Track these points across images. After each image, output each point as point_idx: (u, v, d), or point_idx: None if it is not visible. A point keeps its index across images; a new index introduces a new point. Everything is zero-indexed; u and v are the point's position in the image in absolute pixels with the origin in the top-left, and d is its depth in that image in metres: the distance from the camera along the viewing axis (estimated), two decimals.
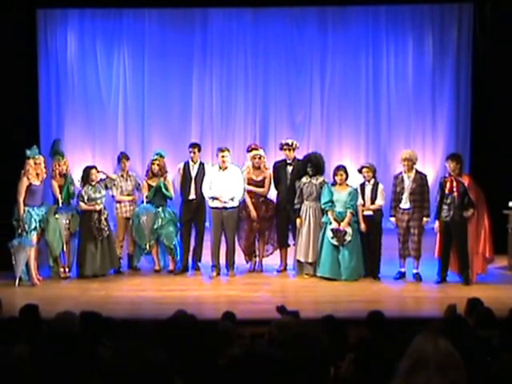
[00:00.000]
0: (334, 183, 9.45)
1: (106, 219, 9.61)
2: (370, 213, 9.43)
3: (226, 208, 9.56)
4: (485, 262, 9.32)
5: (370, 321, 5.55)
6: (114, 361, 3.54)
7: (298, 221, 9.52)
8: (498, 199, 10.15)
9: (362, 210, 9.42)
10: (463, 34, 12.57)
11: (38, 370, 3.43)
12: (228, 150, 9.69)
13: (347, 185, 9.48)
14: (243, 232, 9.83)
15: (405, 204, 9.33)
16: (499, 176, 10.88)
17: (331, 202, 9.33)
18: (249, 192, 9.74)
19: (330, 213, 9.32)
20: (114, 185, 9.90)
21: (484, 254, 9.26)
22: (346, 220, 9.27)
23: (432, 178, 11.94)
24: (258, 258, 9.95)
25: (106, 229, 9.56)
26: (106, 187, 9.85)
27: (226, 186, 9.52)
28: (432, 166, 12.66)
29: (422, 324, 5.28)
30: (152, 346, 4.12)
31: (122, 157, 10.16)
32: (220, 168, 9.62)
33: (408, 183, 9.32)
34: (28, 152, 9.24)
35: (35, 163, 9.23)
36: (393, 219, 9.47)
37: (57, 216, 9.45)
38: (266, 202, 9.87)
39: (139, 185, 10.11)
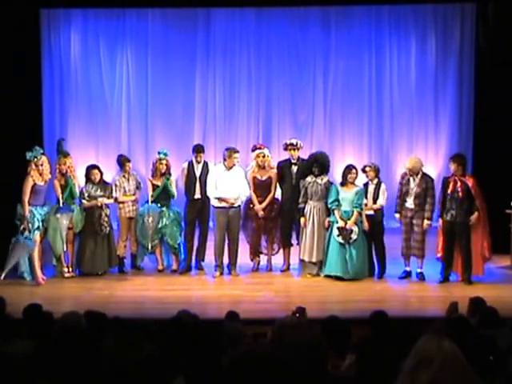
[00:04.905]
0: (344, 182, 9.45)
1: (107, 215, 9.63)
2: (371, 212, 9.45)
3: (232, 207, 9.58)
4: (483, 263, 9.32)
5: (373, 320, 5.56)
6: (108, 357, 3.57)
7: (302, 220, 9.53)
8: (501, 198, 10.17)
9: (365, 210, 9.43)
10: (466, 34, 12.57)
11: (43, 369, 3.45)
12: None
13: (355, 184, 9.49)
14: (251, 231, 9.85)
15: (409, 205, 9.35)
16: (502, 175, 10.89)
17: (337, 200, 9.34)
18: (255, 190, 9.76)
19: (336, 211, 9.33)
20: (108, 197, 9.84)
21: (483, 255, 9.27)
22: (353, 219, 9.27)
23: (434, 178, 11.88)
24: (266, 257, 9.96)
25: (105, 225, 9.58)
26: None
27: (232, 185, 9.55)
28: (434, 166, 12.66)
29: (425, 323, 5.28)
30: (143, 343, 4.15)
31: (124, 159, 10.14)
32: (226, 167, 9.63)
33: (413, 186, 9.33)
34: (28, 155, 9.24)
35: (36, 165, 9.23)
36: (397, 215, 9.50)
37: (58, 216, 9.46)
38: (272, 201, 9.86)
39: (140, 183, 10.13)
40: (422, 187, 9.31)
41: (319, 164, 9.56)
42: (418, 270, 9.42)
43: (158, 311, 7.77)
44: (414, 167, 9.37)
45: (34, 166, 9.22)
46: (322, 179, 9.53)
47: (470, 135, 12.53)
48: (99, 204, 9.56)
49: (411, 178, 9.38)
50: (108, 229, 9.67)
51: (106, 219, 9.61)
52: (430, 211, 9.31)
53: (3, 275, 9.24)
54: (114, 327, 4.95)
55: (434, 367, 2.81)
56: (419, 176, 9.37)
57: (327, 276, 9.42)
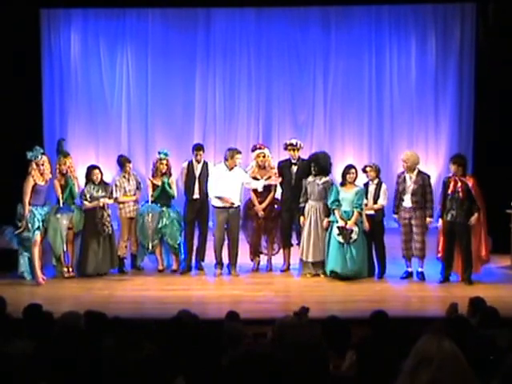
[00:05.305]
0: (344, 182, 9.45)
1: (109, 215, 9.63)
2: (372, 212, 9.45)
3: (231, 207, 9.59)
4: (479, 262, 9.33)
5: (373, 320, 5.55)
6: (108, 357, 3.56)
7: (301, 219, 9.54)
8: (501, 198, 10.17)
9: (365, 210, 9.43)
10: (466, 34, 12.57)
11: (43, 369, 3.45)
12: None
13: (355, 184, 9.49)
14: (251, 231, 9.85)
15: (407, 203, 9.35)
16: (502, 175, 10.89)
17: (337, 200, 9.34)
18: (255, 190, 9.76)
19: (336, 211, 9.33)
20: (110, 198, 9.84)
21: (480, 256, 9.27)
22: (353, 219, 9.27)
23: (435, 178, 11.93)
24: (267, 257, 9.96)
25: (108, 225, 9.58)
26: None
27: (232, 186, 9.56)
28: (435, 166, 12.66)
29: (425, 323, 5.28)
30: (143, 343, 4.15)
31: (124, 160, 10.13)
32: (227, 168, 9.63)
33: (409, 183, 9.34)
34: (29, 154, 9.23)
35: (37, 164, 9.23)
36: (395, 216, 9.50)
37: (58, 216, 9.46)
38: (272, 201, 9.86)
39: (140, 184, 10.13)
40: (418, 184, 9.31)
41: (317, 164, 9.56)
42: (419, 270, 9.41)
43: (157, 311, 7.77)
44: (409, 159, 9.37)
45: (35, 166, 9.21)
46: (320, 179, 9.53)
47: (470, 135, 12.54)
48: (101, 204, 9.55)
49: (407, 176, 9.39)
50: (110, 229, 9.67)
51: (108, 219, 9.60)
52: (430, 208, 9.32)
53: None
54: (114, 327, 4.95)
55: (434, 367, 2.81)
56: (415, 173, 9.38)
57: (329, 275, 9.40)
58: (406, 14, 12.84)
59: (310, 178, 9.56)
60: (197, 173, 9.85)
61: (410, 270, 9.50)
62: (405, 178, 9.41)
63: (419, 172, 9.42)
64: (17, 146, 10.19)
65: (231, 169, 9.63)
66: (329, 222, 9.42)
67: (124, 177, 9.99)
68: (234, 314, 5.93)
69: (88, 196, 9.59)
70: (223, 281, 9.57)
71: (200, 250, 9.99)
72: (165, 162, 9.92)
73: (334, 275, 9.36)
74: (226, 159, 9.69)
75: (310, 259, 9.53)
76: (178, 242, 9.88)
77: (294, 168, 9.80)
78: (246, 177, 9.74)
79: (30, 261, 9.28)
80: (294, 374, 3.26)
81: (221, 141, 12.68)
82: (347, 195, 9.35)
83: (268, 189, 9.80)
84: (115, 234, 9.92)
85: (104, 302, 8.23)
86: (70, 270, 9.64)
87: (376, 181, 9.53)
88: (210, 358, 3.93)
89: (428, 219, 9.32)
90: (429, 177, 9.54)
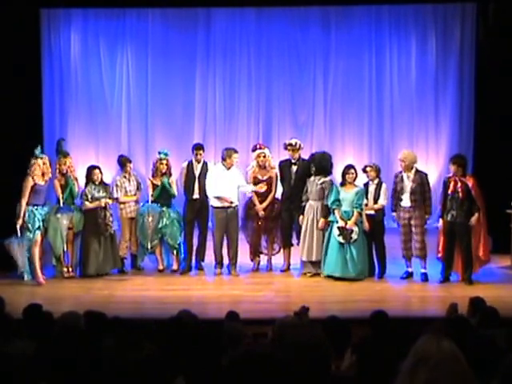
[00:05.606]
0: (344, 183, 9.45)
1: (111, 215, 9.62)
2: (372, 212, 9.45)
3: (230, 207, 9.59)
4: (477, 262, 9.33)
5: (373, 320, 5.55)
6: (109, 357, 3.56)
7: (300, 218, 9.54)
8: (501, 198, 10.17)
9: (366, 209, 9.43)
10: (466, 34, 12.58)
11: (43, 369, 3.44)
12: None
13: (355, 184, 9.48)
14: (251, 231, 9.86)
15: (405, 203, 9.35)
16: (502, 175, 10.89)
17: (338, 200, 9.34)
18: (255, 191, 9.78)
19: (336, 211, 9.33)
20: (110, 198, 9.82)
21: (478, 256, 9.27)
22: (353, 219, 9.26)
23: (435, 178, 11.97)
24: (267, 257, 9.96)
25: (111, 225, 9.57)
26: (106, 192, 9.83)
27: (231, 185, 9.58)
28: (435, 166, 12.68)
29: (425, 323, 5.28)
30: (143, 343, 4.15)
31: (125, 160, 10.13)
32: (225, 167, 9.64)
33: (407, 183, 9.34)
34: (37, 152, 9.24)
35: (44, 163, 9.24)
36: (394, 214, 9.51)
37: (58, 216, 9.45)
38: (273, 201, 9.88)
39: (140, 184, 10.13)
40: (417, 182, 9.32)
41: (316, 164, 9.57)
42: (422, 271, 9.38)
43: (158, 311, 7.77)
44: (406, 158, 9.38)
45: (41, 164, 9.19)
46: (319, 179, 9.53)
47: (471, 135, 12.54)
48: (103, 205, 9.54)
49: (405, 175, 9.39)
50: (112, 229, 9.67)
51: (110, 219, 9.60)
52: (429, 206, 9.34)
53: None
54: (114, 327, 4.95)
55: (431, 365, 2.80)
56: (413, 172, 9.38)
57: (328, 276, 9.41)
58: (406, 14, 12.85)
59: (312, 178, 9.57)
60: (196, 173, 9.85)
61: (410, 270, 9.50)
62: (402, 177, 9.41)
63: (417, 171, 9.43)
64: (17, 146, 10.19)
65: (229, 168, 9.65)
66: (325, 222, 9.42)
67: (124, 177, 10.00)
68: (234, 314, 5.94)
69: (89, 196, 9.58)
70: (223, 281, 9.57)
71: (200, 249, 10.00)
72: (165, 161, 9.93)
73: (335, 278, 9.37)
74: (223, 159, 9.70)
75: (305, 258, 9.55)
76: (178, 241, 9.88)
77: (294, 168, 9.81)
78: (241, 179, 9.75)
79: (30, 261, 9.28)
80: (295, 374, 3.26)
81: (221, 141, 12.67)
82: (347, 195, 9.35)
83: (268, 189, 9.80)
84: (116, 234, 9.92)
85: (104, 301, 8.24)
86: (70, 269, 9.64)
87: (376, 181, 9.53)
88: (210, 358, 3.93)
89: (426, 216, 9.33)
90: (426, 175, 9.55)
